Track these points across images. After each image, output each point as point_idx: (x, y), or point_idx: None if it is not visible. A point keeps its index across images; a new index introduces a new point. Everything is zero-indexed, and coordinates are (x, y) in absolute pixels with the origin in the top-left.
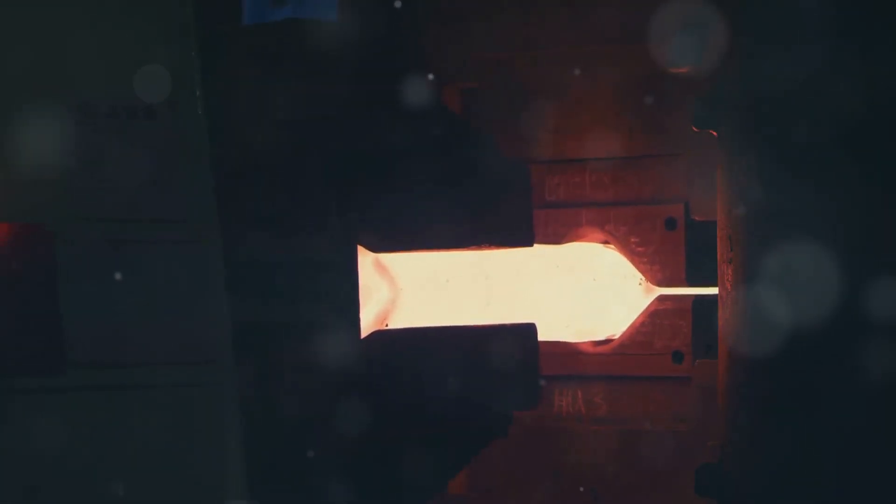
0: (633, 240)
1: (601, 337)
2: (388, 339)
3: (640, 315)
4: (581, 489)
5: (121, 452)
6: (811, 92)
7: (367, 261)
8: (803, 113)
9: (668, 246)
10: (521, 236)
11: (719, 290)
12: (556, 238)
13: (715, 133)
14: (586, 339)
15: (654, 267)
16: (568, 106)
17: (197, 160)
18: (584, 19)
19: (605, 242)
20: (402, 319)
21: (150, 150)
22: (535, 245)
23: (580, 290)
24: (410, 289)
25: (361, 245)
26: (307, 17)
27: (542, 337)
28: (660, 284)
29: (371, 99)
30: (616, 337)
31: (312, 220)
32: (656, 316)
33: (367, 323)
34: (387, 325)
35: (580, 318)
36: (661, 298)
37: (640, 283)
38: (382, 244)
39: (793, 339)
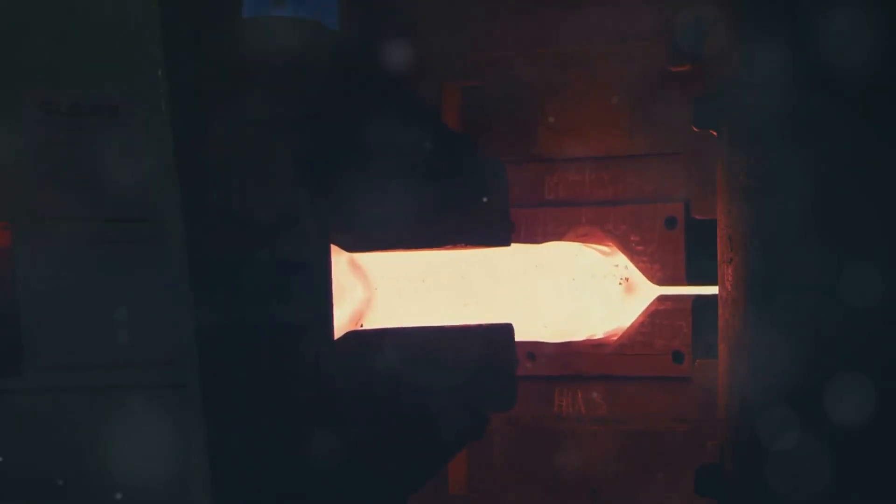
0: (632, 238)
1: (581, 337)
2: (363, 340)
3: (640, 315)
4: (581, 489)
5: (81, 456)
6: (811, 90)
7: (341, 260)
8: (805, 112)
9: (668, 245)
10: (497, 236)
11: (719, 290)
12: (556, 237)
13: (715, 133)
14: (565, 340)
15: (654, 266)
16: (567, 104)
17: (161, 158)
18: (583, 17)
19: (606, 242)
20: (377, 320)
21: (113, 147)
22: (513, 245)
23: (559, 291)
24: (386, 289)
25: (335, 244)
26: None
27: (519, 337)
28: (660, 283)
29: (348, 97)
30: (597, 337)
31: (284, 218)
32: (656, 316)
33: (341, 323)
34: (361, 326)
35: (559, 319)
36: (661, 299)
37: (620, 283)
38: (357, 243)
39: (794, 338)
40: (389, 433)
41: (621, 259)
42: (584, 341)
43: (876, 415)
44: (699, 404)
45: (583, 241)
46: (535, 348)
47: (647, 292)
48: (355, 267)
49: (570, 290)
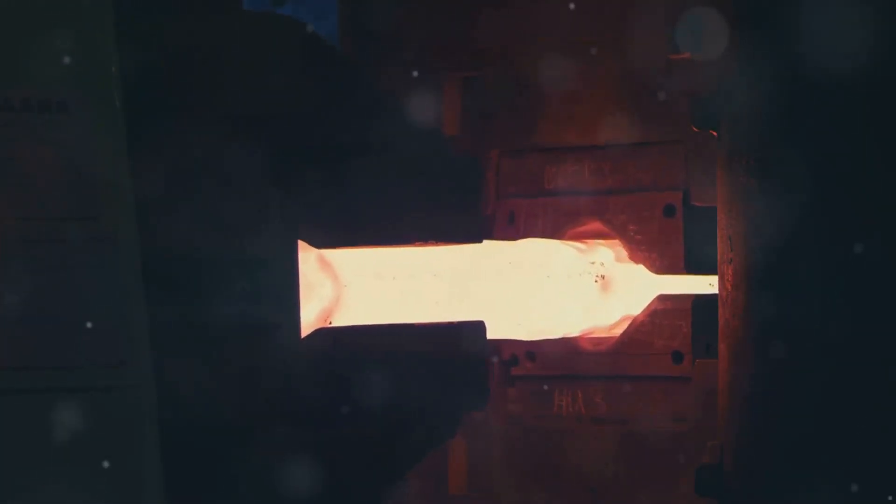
0: (631, 228)
1: (556, 336)
2: (331, 337)
3: (639, 314)
4: (581, 489)
5: (31, 459)
6: (814, 91)
7: (310, 257)
8: (805, 112)
9: (666, 233)
10: (469, 232)
11: (719, 290)
12: (555, 228)
13: (714, 133)
14: (541, 338)
15: (653, 255)
16: (566, 94)
17: (113, 154)
18: (584, 6)
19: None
20: (346, 317)
21: (63, 144)
22: (487, 242)
23: (533, 288)
24: (355, 286)
25: (303, 240)
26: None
27: (493, 335)
28: (659, 272)
29: (316, 91)
30: (574, 335)
31: (250, 213)
32: (656, 316)
33: (309, 321)
34: (330, 323)
35: (533, 317)
36: (661, 299)
37: (596, 281)
38: (326, 240)
39: (795, 338)
40: (358, 433)
41: (598, 256)
42: (584, 341)
43: (878, 416)
44: (699, 404)
45: (583, 234)
46: (535, 348)
47: (626, 290)
48: (324, 263)
49: (545, 288)
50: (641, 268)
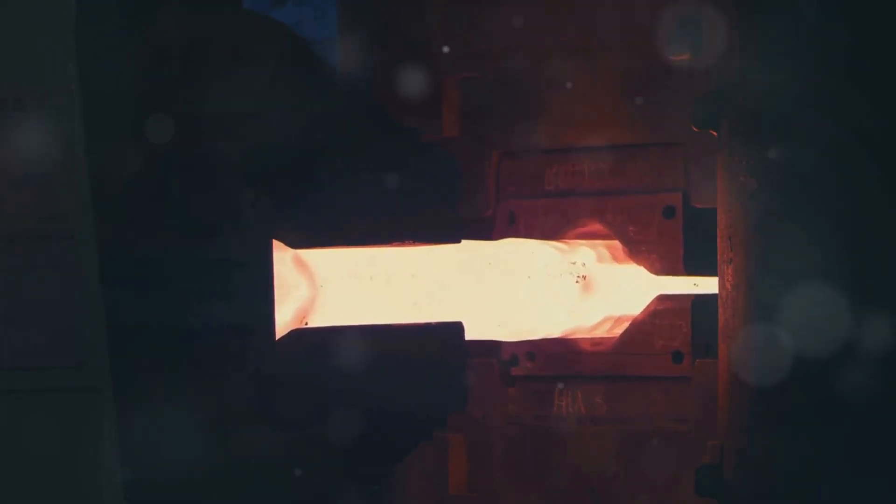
0: (630, 229)
1: (537, 337)
2: (307, 339)
3: (639, 315)
4: (581, 489)
5: None
6: (813, 92)
7: (285, 257)
8: (806, 113)
9: (666, 235)
10: (447, 232)
11: (719, 290)
12: (555, 228)
13: (715, 133)
14: (521, 339)
15: (652, 256)
16: (567, 95)
17: (71, 152)
18: (583, 7)
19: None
20: (322, 318)
21: (18, 143)
22: (467, 242)
23: (513, 289)
24: (332, 286)
25: (278, 240)
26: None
27: (472, 336)
28: (658, 273)
29: (293, 90)
30: (555, 336)
31: (225, 213)
32: (656, 316)
33: (285, 322)
34: (306, 324)
35: (514, 318)
36: (661, 298)
37: (577, 282)
38: (301, 239)
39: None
40: (334, 436)
41: (580, 256)
42: (583, 341)
43: (878, 416)
44: (699, 404)
45: (583, 235)
46: (535, 348)
47: (608, 291)
48: (300, 264)
49: (526, 288)
50: (623, 268)
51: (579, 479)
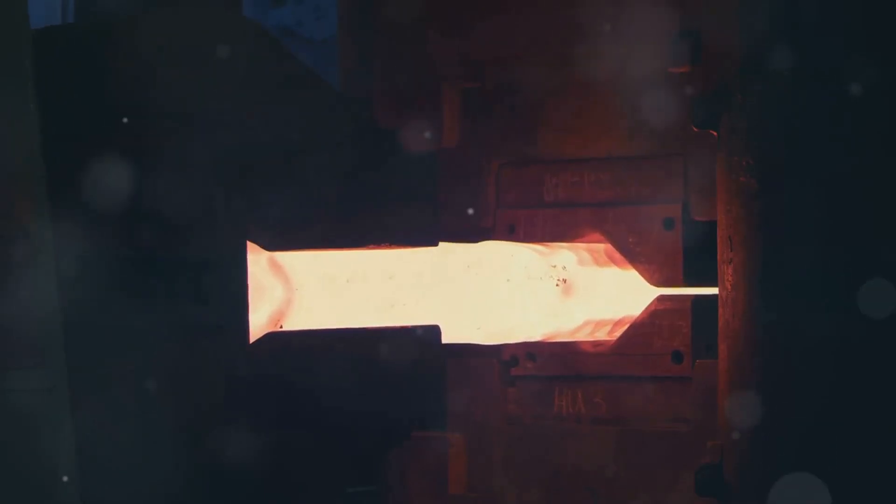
0: (630, 240)
1: (515, 340)
2: (282, 342)
3: (639, 315)
4: (580, 489)
5: None
6: (811, 91)
7: (261, 259)
8: (804, 113)
9: (665, 246)
10: (425, 235)
11: (719, 291)
12: (554, 239)
13: (715, 133)
14: (500, 342)
15: (652, 267)
16: (567, 106)
17: (26, 153)
18: (584, 20)
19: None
20: (298, 321)
21: None
22: (445, 244)
23: (492, 291)
24: (308, 289)
25: (253, 242)
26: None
27: (449, 339)
28: (658, 284)
29: (268, 92)
30: (535, 339)
31: (198, 215)
32: (656, 316)
33: (260, 325)
34: (281, 327)
35: (491, 320)
36: (661, 299)
37: (557, 285)
38: (276, 242)
39: (794, 338)
40: (307, 438)
41: (560, 259)
42: (584, 342)
43: (879, 415)
44: (699, 404)
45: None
46: (535, 348)
47: (588, 294)
48: (275, 266)
49: (504, 291)
50: (605, 271)
51: (579, 479)
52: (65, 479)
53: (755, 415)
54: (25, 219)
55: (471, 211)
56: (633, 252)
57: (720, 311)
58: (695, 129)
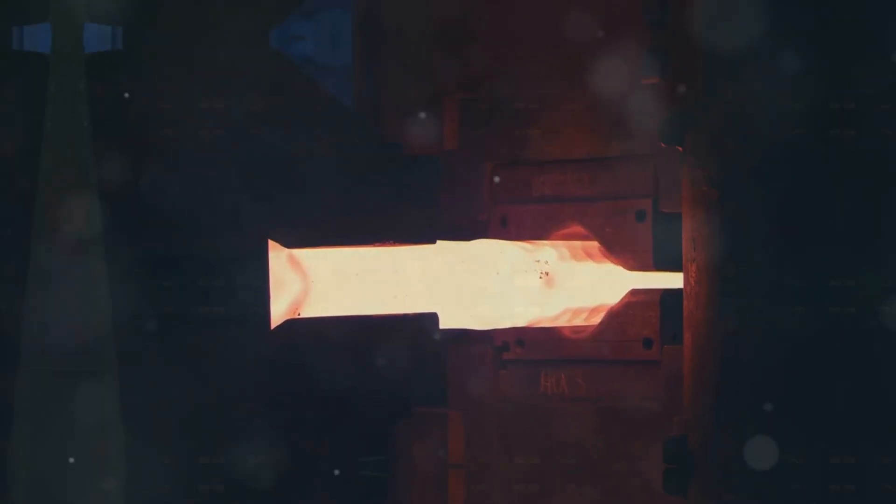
0: (607, 230)
1: (504, 325)
2: (299, 329)
3: (615, 305)
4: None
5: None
6: (771, 110)
7: (281, 255)
8: (760, 129)
9: (638, 235)
10: (424, 234)
11: (684, 286)
12: (542, 230)
13: (680, 148)
14: (491, 328)
15: (626, 254)
16: (553, 115)
17: (80, 160)
18: (566, 39)
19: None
20: (313, 310)
21: None
22: (441, 242)
23: (484, 283)
24: (322, 282)
25: (274, 241)
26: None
27: (446, 325)
28: (631, 269)
29: (280, 99)
30: (521, 325)
31: (224, 217)
32: (629, 307)
33: (279, 313)
34: (299, 315)
35: (484, 309)
36: (634, 292)
37: (540, 277)
38: (295, 240)
39: (750, 325)
40: (322, 413)
41: (543, 255)
42: (566, 329)
43: (813, 390)
44: (667, 384)
45: (566, 235)
46: (523, 335)
47: (568, 285)
48: (294, 262)
49: (494, 283)
50: (582, 265)
51: (563, 450)
52: (71, 460)
53: (714, 394)
54: (80, 216)
55: (469, 206)
56: (609, 241)
57: (685, 303)
58: (662, 145)
